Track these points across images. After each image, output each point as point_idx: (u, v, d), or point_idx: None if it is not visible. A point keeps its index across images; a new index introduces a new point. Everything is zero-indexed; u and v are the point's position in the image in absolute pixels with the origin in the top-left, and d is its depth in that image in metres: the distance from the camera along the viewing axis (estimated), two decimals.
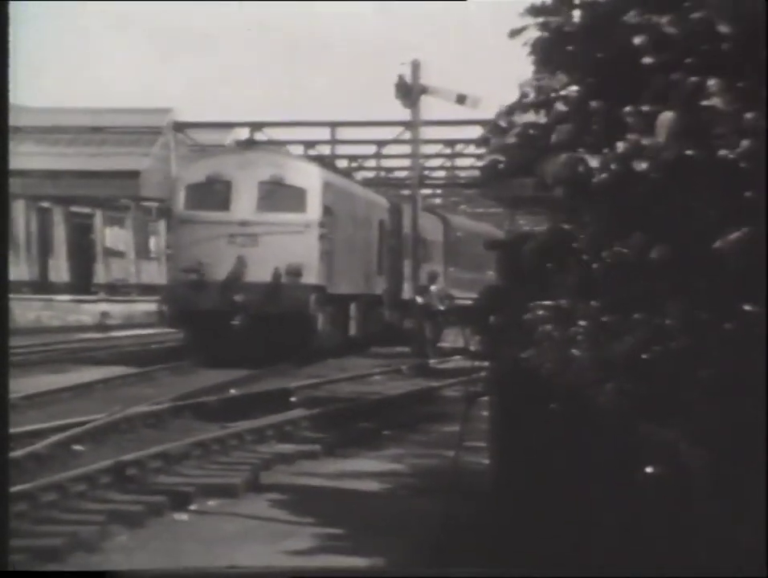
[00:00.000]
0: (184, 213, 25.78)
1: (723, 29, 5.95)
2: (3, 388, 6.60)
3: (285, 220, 25.19)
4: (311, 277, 25.18)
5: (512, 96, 7.47)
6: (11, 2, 6.63)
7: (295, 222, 25.23)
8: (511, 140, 7.17)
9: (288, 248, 24.93)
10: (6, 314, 6.62)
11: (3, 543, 6.55)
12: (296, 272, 24.86)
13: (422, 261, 34.74)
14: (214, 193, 25.53)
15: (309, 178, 25.96)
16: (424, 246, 35.21)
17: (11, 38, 6.60)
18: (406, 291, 33.13)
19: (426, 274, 30.56)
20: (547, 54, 7.02)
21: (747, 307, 6.17)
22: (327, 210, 26.13)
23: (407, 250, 34.12)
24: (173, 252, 26.58)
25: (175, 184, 26.84)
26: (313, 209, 25.61)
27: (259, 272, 24.78)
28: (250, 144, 28.59)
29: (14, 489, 9.66)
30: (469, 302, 29.87)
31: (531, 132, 7.06)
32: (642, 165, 6.15)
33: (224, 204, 25.45)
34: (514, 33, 7.06)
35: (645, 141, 6.11)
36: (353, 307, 29.06)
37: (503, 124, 7.29)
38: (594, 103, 6.63)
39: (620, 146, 6.21)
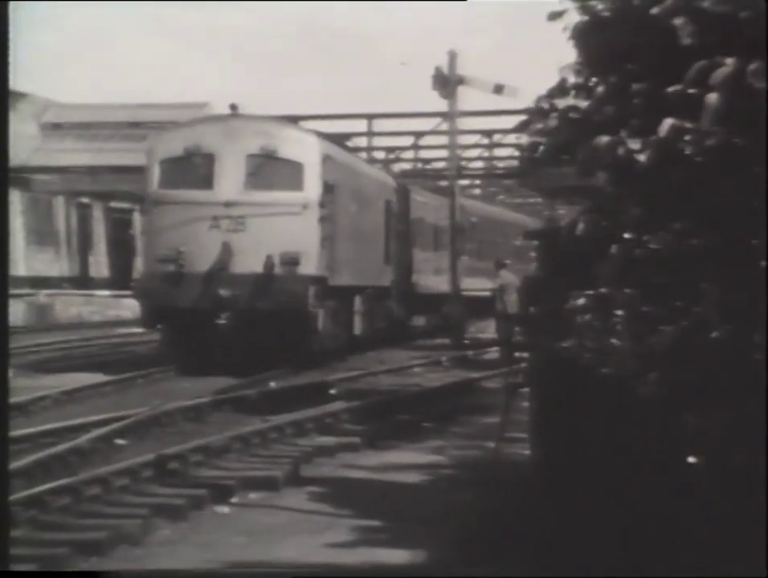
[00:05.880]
0: (158, 192, 21.70)
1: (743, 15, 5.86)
2: (3, 389, 6.48)
3: (279, 199, 21.34)
4: (310, 267, 21.35)
5: (551, 86, 7.43)
6: (11, 1, 6.65)
7: (290, 202, 21.31)
8: (552, 123, 7.06)
9: (282, 233, 21.16)
10: (5, 315, 6.46)
11: (3, 543, 6.51)
12: (292, 261, 21.14)
13: (433, 249, 31.98)
14: (193, 169, 21.60)
15: (307, 150, 21.88)
16: (434, 232, 32.32)
17: (42, 37, 6.62)
18: (441, 283, 31.08)
19: (494, 263, 25.85)
20: (586, 40, 6.95)
21: None
22: (328, 188, 22.17)
23: (416, 236, 31.21)
24: (147, 239, 22.42)
25: (148, 158, 22.27)
26: (312, 187, 21.65)
27: (249, 262, 21.05)
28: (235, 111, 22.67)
29: (57, 483, 9.78)
30: (487, 293, 28.30)
31: (572, 115, 6.96)
32: (686, 149, 6.05)
33: (206, 181, 21.49)
34: (554, 16, 6.91)
35: (689, 125, 6.01)
36: (358, 301, 25.24)
37: (544, 106, 7.18)
38: (635, 86, 6.54)
39: (663, 129, 6.07)
